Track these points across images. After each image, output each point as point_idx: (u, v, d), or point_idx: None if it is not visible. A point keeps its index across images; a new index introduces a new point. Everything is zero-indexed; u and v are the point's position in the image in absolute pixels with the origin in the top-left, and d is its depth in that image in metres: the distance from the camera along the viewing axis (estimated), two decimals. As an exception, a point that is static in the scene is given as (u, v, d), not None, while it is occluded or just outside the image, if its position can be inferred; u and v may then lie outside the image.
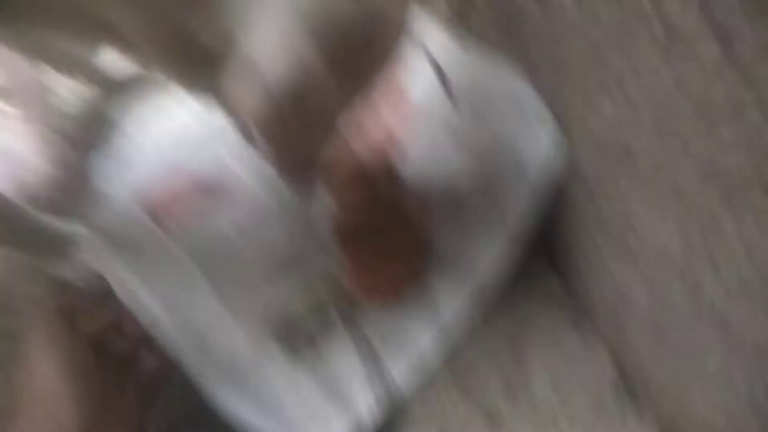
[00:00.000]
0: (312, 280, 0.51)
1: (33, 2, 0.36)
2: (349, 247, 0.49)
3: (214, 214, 0.53)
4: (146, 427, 0.46)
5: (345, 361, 0.49)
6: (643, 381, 0.45)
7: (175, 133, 0.57)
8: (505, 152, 0.49)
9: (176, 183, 0.55)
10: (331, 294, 0.51)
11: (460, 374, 0.49)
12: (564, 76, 0.40)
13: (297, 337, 0.50)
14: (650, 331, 0.41)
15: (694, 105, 0.27)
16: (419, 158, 0.51)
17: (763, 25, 0.21)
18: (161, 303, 0.48)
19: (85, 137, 0.59)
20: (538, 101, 0.45)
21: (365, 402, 0.47)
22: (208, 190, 0.54)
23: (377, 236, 0.48)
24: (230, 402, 0.46)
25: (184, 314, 0.49)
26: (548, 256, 0.53)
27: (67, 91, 0.56)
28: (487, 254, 0.49)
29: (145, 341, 0.48)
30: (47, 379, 0.42)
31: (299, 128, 0.44)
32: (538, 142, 0.45)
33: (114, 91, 0.57)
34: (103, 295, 0.48)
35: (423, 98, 0.52)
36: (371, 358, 0.49)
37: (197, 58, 0.39)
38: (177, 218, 0.53)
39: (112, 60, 0.52)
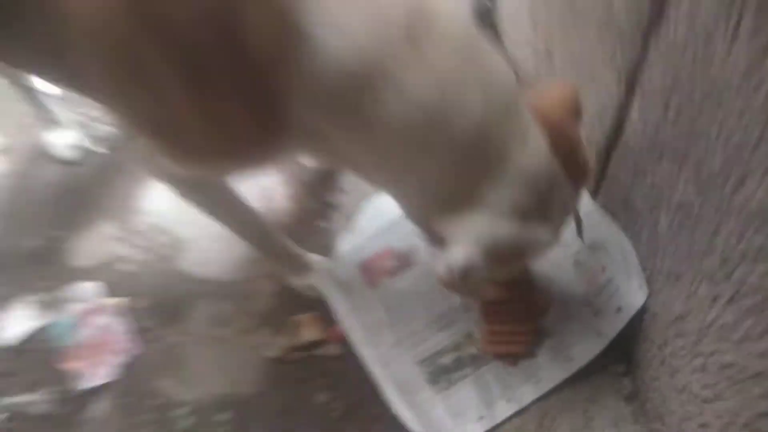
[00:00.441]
0: (456, 332, 0.78)
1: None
2: (489, 312, 0.76)
3: (401, 275, 0.83)
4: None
5: (467, 390, 0.74)
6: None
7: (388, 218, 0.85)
8: (606, 283, 0.73)
9: (383, 253, 0.84)
10: (467, 343, 0.77)
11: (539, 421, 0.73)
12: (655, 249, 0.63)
13: (438, 370, 0.76)
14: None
15: None
16: (549, 266, 0.76)
17: None
18: (360, 326, 0.78)
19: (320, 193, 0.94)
20: (636, 259, 0.68)
21: (476, 424, 0.73)
22: (400, 257, 0.84)
23: (509, 305, 0.74)
24: (394, 404, 0.73)
25: (373, 339, 0.78)
26: (626, 361, 0.75)
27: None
28: (580, 345, 0.73)
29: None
30: None
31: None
32: (629, 283, 0.69)
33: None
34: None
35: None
36: (486, 393, 0.74)
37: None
38: (377, 277, 0.83)
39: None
